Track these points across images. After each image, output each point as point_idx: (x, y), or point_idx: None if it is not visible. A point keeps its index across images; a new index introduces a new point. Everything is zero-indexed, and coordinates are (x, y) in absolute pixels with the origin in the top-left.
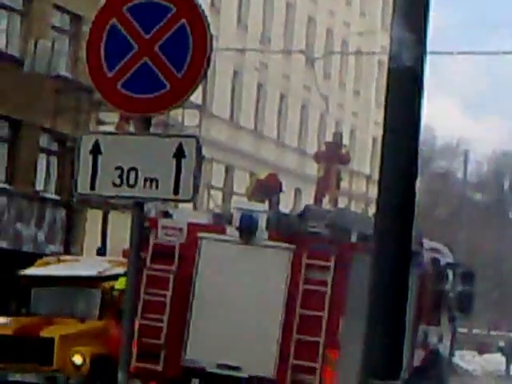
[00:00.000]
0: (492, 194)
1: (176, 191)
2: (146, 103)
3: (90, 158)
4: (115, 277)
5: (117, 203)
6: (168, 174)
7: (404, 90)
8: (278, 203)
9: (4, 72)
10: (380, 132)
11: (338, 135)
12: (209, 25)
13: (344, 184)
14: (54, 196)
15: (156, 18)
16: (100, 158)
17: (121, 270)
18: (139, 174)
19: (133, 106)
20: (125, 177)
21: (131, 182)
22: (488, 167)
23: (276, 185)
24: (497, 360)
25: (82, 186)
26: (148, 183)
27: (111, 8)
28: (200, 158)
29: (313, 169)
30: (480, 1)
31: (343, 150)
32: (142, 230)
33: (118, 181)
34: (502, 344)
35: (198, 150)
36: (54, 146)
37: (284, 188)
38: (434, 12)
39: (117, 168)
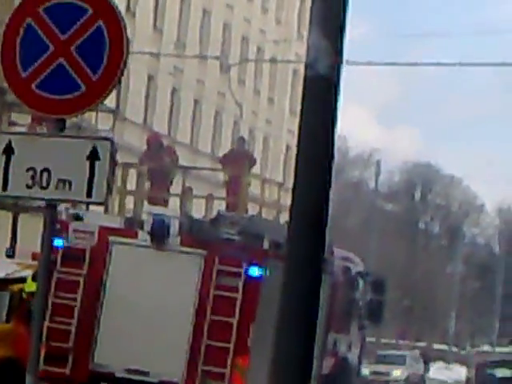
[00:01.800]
0: (403, 203)
1: (89, 193)
2: (60, 105)
3: (3, 158)
4: (24, 279)
5: (27, 205)
6: (81, 175)
7: (320, 98)
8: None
9: None
10: (293, 140)
11: (241, 140)
12: (126, 27)
13: (256, 191)
14: None
15: (72, 19)
16: (13, 158)
17: (29, 272)
18: (52, 175)
19: (47, 108)
20: (38, 178)
21: (44, 183)
22: (399, 177)
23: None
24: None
25: None
26: (61, 185)
27: (27, 8)
28: (114, 160)
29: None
30: (393, 13)
31: (248, 153)
32: (54, 232)
33: (30, 182)
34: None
35: (112, 152)
36: None
37: (196, 192)
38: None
39: (29, 169)
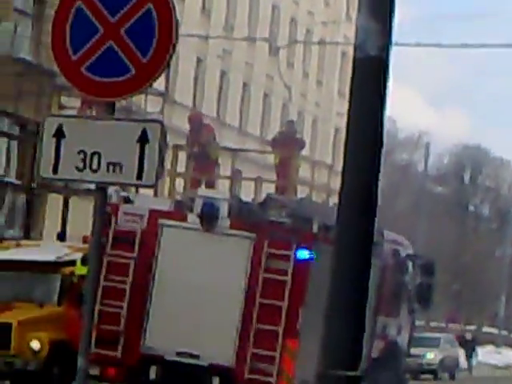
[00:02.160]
0: (452, 186)
1: (139, 176)
2: (110, 87)
3: (53, 141)
4: (74, 262)
5: (77, 188)
6: (131, 158)
7: (369, 80)
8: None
9: None
10: (342, 123)
11: (290, 122)
12: (175, 10)
13: (305, 174)
14: (14, 180)
15: (122, 2)
16: (63, 141)
17: (81, 255)
18: (102, 158)
19: (97, 90)
20: (88, 161)
21: (94, 166)
22: (449, 159)
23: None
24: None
25: (45, 169)
26: (111, 168)
27: None
28: (164, 143)
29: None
30: None
31: (297, 136)
32: (104, 214)
33: (81, 165)
34: (469, 337)
35: (163, 135)
36: (15, 130)
37: (245, 175)
38: (399, 3)
39: (80, 152)
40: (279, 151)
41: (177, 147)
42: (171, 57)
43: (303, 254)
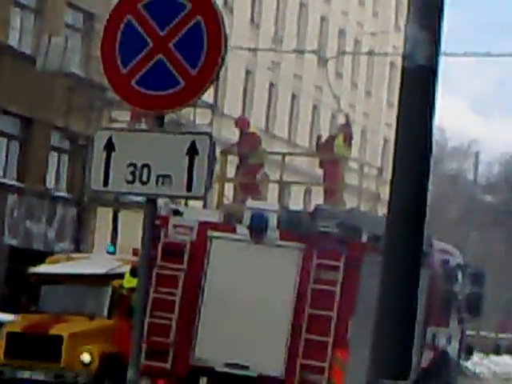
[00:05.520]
0: (502, 195)
1: (189, 188)
2: (159, 100)
3: (104, 154)
4: (124, 275)
5: (127, 202)
6: (181, 170)
7: (418, 89)
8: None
9: (16, 70)
10: (391, 133)
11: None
12: (224, 23)
13: (354, 183)
14: (64, 194)
15: (171, 15)
16: (113, 154)
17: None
18: (152, 170)
19: (147, 103)
20: (138, 173)
21: (144, 178)
22: (499, 168)
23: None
24: (505, 362)
25: (96, 182)
26: (161, 180)
27: (127, 4)
28: (213, 155)
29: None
30: (490, 3)
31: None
32: (154, 227)
33: (130, 177)
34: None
35: (211, 147)
36: (66, 145)
37: (294, 187)
38: (447, 12)
39: (130, 165)
40: (324, 151)
41: (226, 152)
42: (220, 69)
43: (352, 264)
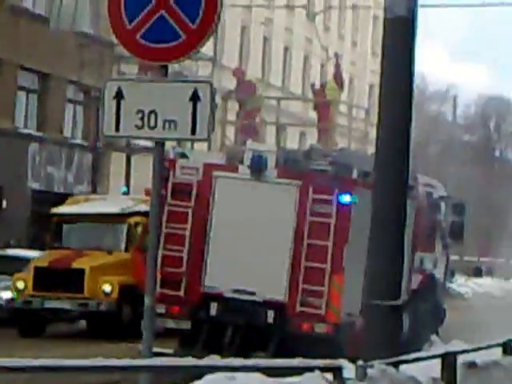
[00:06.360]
0: (479, 134)
1: (193, 131)
2: (163, 52)
3: (114, 102)
4: (138, 213)
5: (138, 146)
6: (185, 115)
7: (399, 38)
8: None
9: (32, 29)
10: (376, 79)
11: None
12: None
13: (344, 125)
14: (81, 141)
15: None
16: (123, 102)
17: (143, 207)
18: (159, 116)
19: (151, 55)
20: (146, 119)
21: (152, 123)
22: (475, 109)
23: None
24: (486, 283)
25: (108, 128)
26: (167, 124)
27: None
28: (213, 101)
29: (315, 113)
30: None
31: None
32: (163, 168)
33: (139, 123)
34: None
35: (212, 94)
36: (80, 97)
37: (289, 129)
38: None
39: (138, 111)
40: (318, 96)
41: (226, 98)
42: (217, 23)
43: (345, 197)
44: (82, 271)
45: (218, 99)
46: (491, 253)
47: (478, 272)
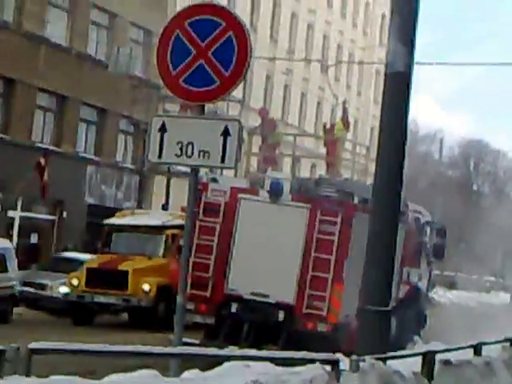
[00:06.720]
0: (461, 171)
1: (223, 160)
2: (201, 95)
3: (158, 134)
4: (175, 226)
5: (177, 171)
6: (217, 147)
7: (396, 90)
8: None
9: (94, 72)
10: (376, 123)
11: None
12: (249, 37)
13: (348, 159)
14: (130, 165)
15: (209, 31)
16: (166, 134)
17: (179, 221)
18: (195, 147)
19: (191, 97)
20: (184, 149)
21: (189, 153)
22: (458, 150)
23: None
24: (462, 295)
25: (153, 155)
26: (202, 154)
27: (176, 23)
28: (241, 136)
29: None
30: (449, 23)
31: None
32: (196, 190)
33: (179, 152)
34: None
35: (240, 130)
36: (131, 129)
37: (303, 161)
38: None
39: (178, 142)
40: (328, 135)
41: (251, 133)
42: (246, 72)
43: (347, 220)
44: (126, 272)
45: (244, 134)
46: (467, 270)
47: (453, 285)
